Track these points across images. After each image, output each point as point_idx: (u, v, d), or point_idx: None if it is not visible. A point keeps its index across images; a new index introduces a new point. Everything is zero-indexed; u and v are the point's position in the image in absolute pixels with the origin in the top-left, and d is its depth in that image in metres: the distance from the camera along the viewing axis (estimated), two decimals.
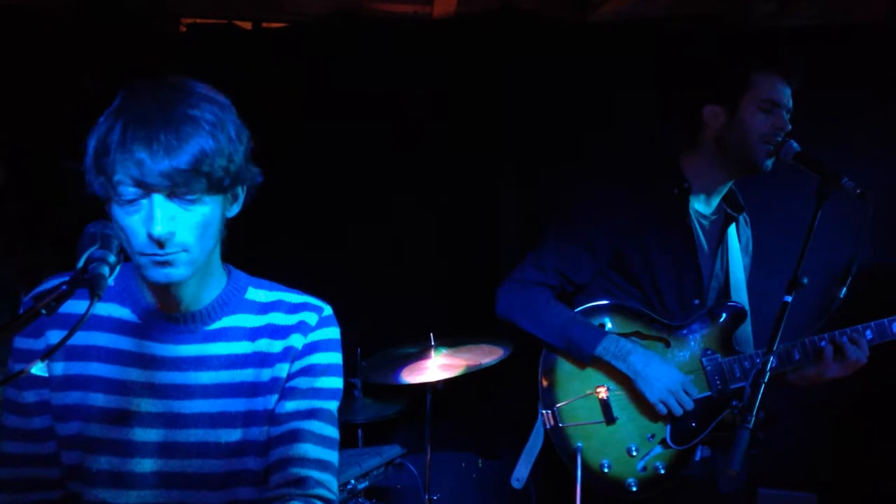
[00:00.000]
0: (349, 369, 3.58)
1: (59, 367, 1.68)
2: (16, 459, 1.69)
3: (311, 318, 1.76)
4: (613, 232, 2.76)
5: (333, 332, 1.80)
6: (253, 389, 1.71)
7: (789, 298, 2.36)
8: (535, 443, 2.82)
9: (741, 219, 2.97)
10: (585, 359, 2.73)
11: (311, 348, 1.75)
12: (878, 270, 3.65)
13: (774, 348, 2.30)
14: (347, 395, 3.60)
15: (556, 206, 2.99)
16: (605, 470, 2.71)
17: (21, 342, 1.69)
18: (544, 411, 2.76)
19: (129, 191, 1.49)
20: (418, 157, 4.01)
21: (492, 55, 4.00)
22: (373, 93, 3.98)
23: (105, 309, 1.71)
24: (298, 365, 1.74)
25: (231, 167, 1.56)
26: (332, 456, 1.73)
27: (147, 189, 1.49)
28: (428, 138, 4.03)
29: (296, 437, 1.70)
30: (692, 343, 2.79)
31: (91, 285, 1.41)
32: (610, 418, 2.72)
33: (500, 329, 3.87)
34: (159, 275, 1.56)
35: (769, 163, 2.73)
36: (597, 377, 2.75)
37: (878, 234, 3.73)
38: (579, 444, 2.71)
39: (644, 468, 2.73)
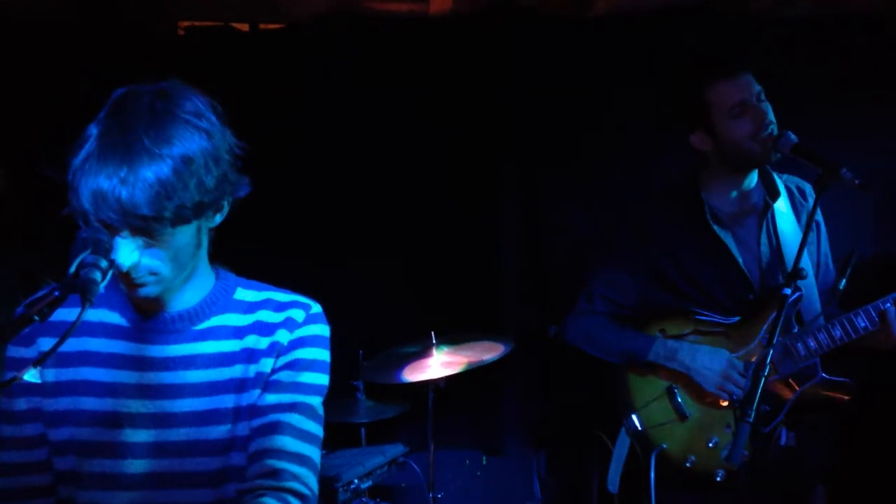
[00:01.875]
0: (352, 371, 3.59)
1: (51, 374, 1.69)
2: (9, 468, 1.69)
3: (298, 314, 1.76)
4: (645, 253, 2.90)
5: (321, 329, 1.79)
6: (241, 385, 1.72)
7: (788, 291, 2.37)
8: (621, 448, 2.94)
9: (796, 195, 2.96)
10: (645, 367, 2.86)
11: (297, 343, 1.75)
12: (883, 259, 3.65)
13: (775, 341, 2.31)
14: (350, 396, 3.60)
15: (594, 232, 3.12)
16: (688, 465, 2.77)
17: (13, 350, 1.70)
18: (626, 419, 2.88)
19: (95, 224, 1.49)
20: (417, 156, 4.00)
21: (489, 52, 3.98)
22: (369, 92, 3.97)
23: (95, 314, 1.72)
24: (283, 360, 1.73)
25: (200, 197, 1.53)
26: (311, 451, 1.72)
27: (111, 229, 1.49)
28: (427, 136, 4.02)
29: (274, 429, 1.69)
30: (752, 329, 2.81)
31: (83, 290, 1.41)
32: (682, 416, 2.82)
33: (500, 326, 3.90)
34: (130, 293, 1.59)
35: (773, 155, 2.73)
36: (661, 381, 2.87)
37: (881, 223, 3.73)
38: (664, 445, 2.80)
39: (727, 458, 2.74)
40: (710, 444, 2.76)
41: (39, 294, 1.63)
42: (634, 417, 2.86)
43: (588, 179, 3.97)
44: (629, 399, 2.90)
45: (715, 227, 2.83)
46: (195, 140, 1.52)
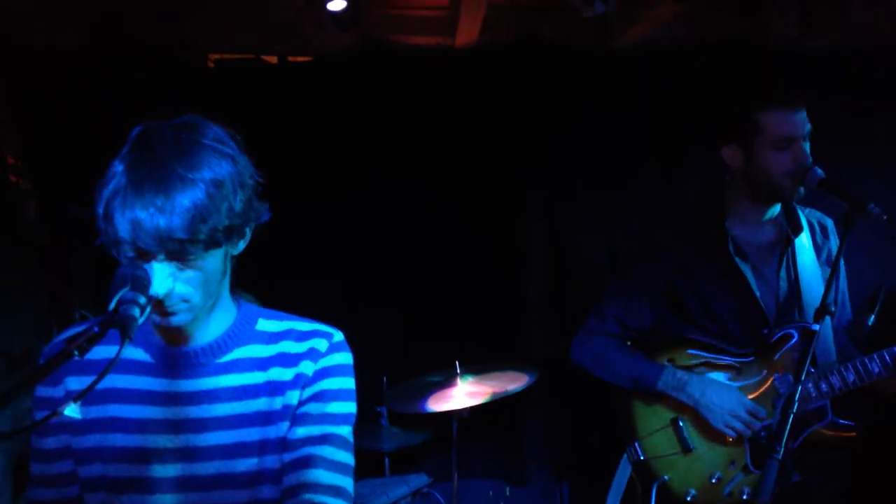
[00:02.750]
0: (376, 398, 3.60)
1: (79, 412, 1.71)
2: None
3: (321, 344, 1.76)
4: (663, 275, 2.86)
5: (345, 358, 1.79)
6: (266, 418, 1.72)
7: (817, 327, 2.36)
8: (621, 477, 2.91)
9: (817, 231, 2.94)
10: (652, 395, 2.83)
11: (322, 374, 1.75)
12: None
13: (802, 378, 2.30)
14: (374, 423, 3.61)
15: (610, 253, 3.09)
16: (689, 499, 2.74)
17: (41, 391, 1.72)
18: (629, 447, 2.84)
19: (130, 253, 1.52)
20: (444, 186, 4.03)
21: (515, 83, 4.02)
22: (396, 123, 4.01)
23: (116, 352, 1.74)
24: (309, 391, 1.74)
25: (229, 221, 1.56)
26: (345, 482, 1.72)
27: (146, 255, 1.52)
28: (454, 166, 4.05)
29: (308, 463, 1.70)
30: (764, 367, 2.79)
31: (122, 326, 1.43)
32: (686, 448, 2.78)
33: (524, 356, 3.91)
34: (162, 321, 1.60)
35: (801, 190, 2.72)
36: (668, 411, 2.83)
37: None
38: (665, 477, 2.77)
39: (730, 494, 2.74)
40: (713, 480, 2.72)
41: (78, 329, 1.68)
42: (637, 446, 2.82)
43: (613, 210, 3.98)
44: (633, 427, 2.86)
45: (737, 259, 2.81)
46: (223, 165, 1.56)
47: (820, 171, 2.66)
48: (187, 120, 1.61)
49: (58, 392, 1.71)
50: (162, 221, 1.47)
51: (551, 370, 3.76)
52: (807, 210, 2.96)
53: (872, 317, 2.54)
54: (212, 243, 1.54)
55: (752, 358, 2.80)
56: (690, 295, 2.84)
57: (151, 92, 3.74)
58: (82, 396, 1.43)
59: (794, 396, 2.24)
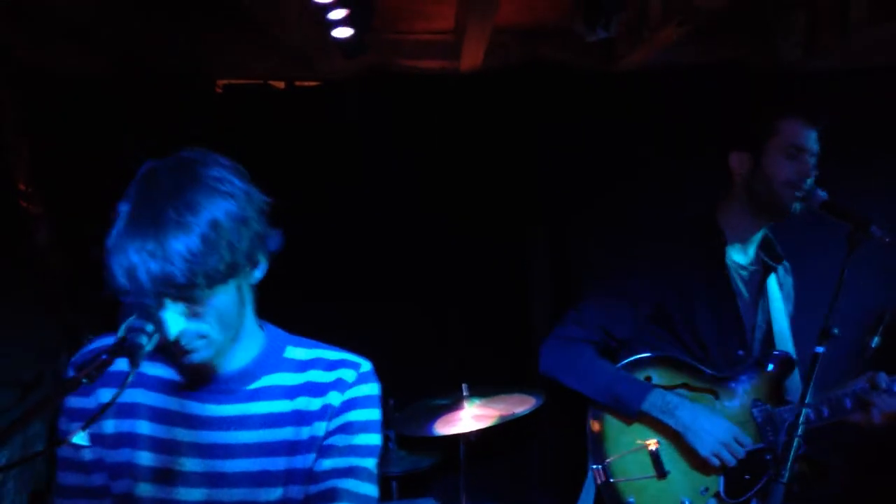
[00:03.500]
0: (383, 421, 3.60)
1: (111, 425, 1.72)
2: None
3: (349, 374, 1.77)
4: (654, 286, 2.79)
5: (372, 389, 1.79)
6: (292, 448, 1.73)
7: (821, 349, 2.37)
8: (586, 499, 2.84)
9: (780, 267, 2.96)
10: (632, 415, 2.73)
11: (349, 405, 1.75)
12: None
13: (807, 400, 2.30)
14: (381, 447, 3.61)
15: (595, 261, 3.01)
16: None
17: (73, 401, 1.73)
18: (594, 466, 2.76)
19: (133, 297, 1.52)
20: (449, 209, 4.06)
21: (520, 107, 4.06)
22: (402, 146, 4.05)
23: (152, 368, 1.75)
24: (336, 422, 1.74)
25: (231, 258, 1.56)
26: None
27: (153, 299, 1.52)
28: (459, 189, 4.08)
29: (333, 495, 1.70)
30: (741, 394, 2.78)
31: (130, 355, 1.46)
32: (661, 472, 2.71)
33: (531, 378, 3.91)
34: (183, 360, 1.61)
35: (797, 206, 2.74)
36: (645, 431, 2.75)
37: None
38: (631, 500, 2.70)
39: None
40: None
41: (88, 357, 1.70)
42: (605, 467, 2.74)
43: (618, 230, 3.99)
44: (603, 445, 2.77)
45: (731, 277, 2.82)
46: (220, 204, 1.55)
47: (823, 192, 2.68)
48: (189, 156, 1.61)
49: (90, 403, 1.72)
50: (155, 267, 1.48)
51: (558, 392, 3.76)
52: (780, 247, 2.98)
53: (877, 339, 2.54)
54: (213, 282, 1.54)
55: (729, 383, 2.79)
56: (677, 307, 2.79)
57: (161, 118, 3.79)
58: (89, 425, 1.45)
59: (799, 419, 2.25)
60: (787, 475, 2.17)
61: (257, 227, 1.63)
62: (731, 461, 2.65)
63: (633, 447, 2.73)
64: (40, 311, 3.57)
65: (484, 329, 3.98)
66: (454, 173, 4.06)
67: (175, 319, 1.54)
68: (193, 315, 1.57)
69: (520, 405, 3.32)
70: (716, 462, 2.65)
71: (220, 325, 1.61)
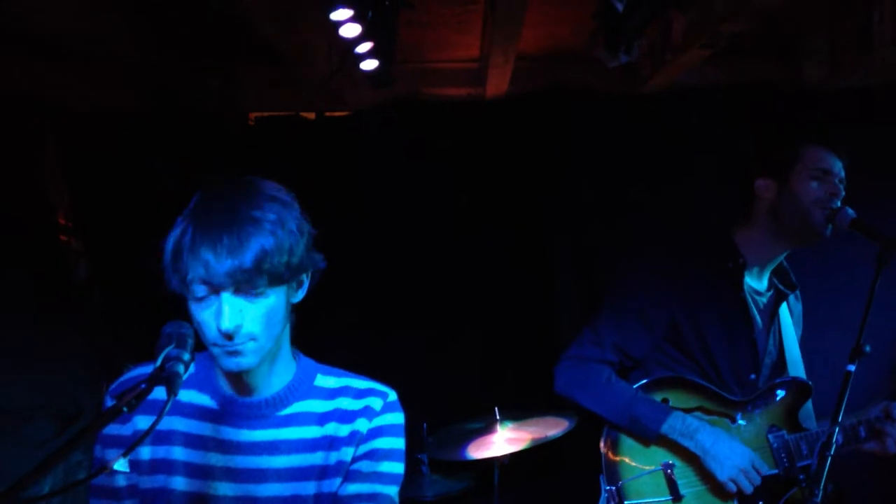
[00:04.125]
0: (416, 444, 3.63)
1: (147, 452, 1.78)
2: None
3: (377, 403, 1.83)
4: (669, 304, 2.78)
5: (397, 418, 1.86)
6: (322, 472, 1.78)
7: (852, 367, 2.35)
8: None
9: (798, 294, 2.97)
10: (650, 436, 2.71)
11: (376, 433, 1.81)
12: None
13: (840, 419, 2.28)
14: (415, 471, 3.63)
15: (611, 279, 3.00)
16: None
17: (110, 428, 1.79)
18: (608, 488, 2.74)
19: (200, 288, 1.62)
20: (477, 234, 4.10)
21: (545, 131, 4.10)
22: (431, 173, 4.11)
23: (186, 395, 1.81)
24: (363, 448, 1.80)
25: (292, 260, 1.67)
26: None
27: (214, 287, 1.61)
28: (488, 214, 4.12)
29: None
30: (757, 419, 2.77)
31: (168, 383, 1.52)
32: (676, 496, 2.69)
33: (564, 401, 3.91)
34: (231, 363, 1.67)
35: (829, 229, 2.72)
36: (661, 453, 2.73)
37: None
38: None
39: None
40: None
41: (128, 377, 1.77)
42: (620, 488, 2.71)
43: (642, 253, 3.99)
44: (617, 466, 2.75)
45: (749, 301, 2.81)
46: (284, 210, 1.68)
47: (851, 211, 2.67)
48: (243, 178, 1.73)
49: (126, 430, 1.78)
50: (233, 253, 1.58)
51: (591, 415, 3.76)
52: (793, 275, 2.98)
53: None
54: (276, 277, 1.64)
55: (744, 408, 2.78)
56: (691, 329, 2.77)
57: (196, 153, 3.88)
58: (130, 451, 1.50)
59: (832, 439, 2.24)
60: (819, 495, 2.16)
61: (308, 242, 1.73)
62: (749, 488, 2.63)
63: (648, 469, 2.72)
64: (80, 343, 3.65)
65: (515, 352, 4.00)
66: (482, 198, 4.10)
67: (233, 313, 1.62)
68: (248, 313, 1.64)
69: (553, 428, 3.31)
70: (732, 488, 2.64)
71: (268, 330, 1.68)
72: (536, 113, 4.09)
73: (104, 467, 1.49)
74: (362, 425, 1.80)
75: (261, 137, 4.21)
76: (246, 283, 1.61)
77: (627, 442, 2.77)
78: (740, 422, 2.77)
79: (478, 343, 4.06)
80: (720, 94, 4.01)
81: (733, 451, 2.64)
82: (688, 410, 2.74)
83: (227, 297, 1.62)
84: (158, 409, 1.47)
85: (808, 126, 2.98)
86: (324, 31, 3.06)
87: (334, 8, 2.49)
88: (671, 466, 2.71)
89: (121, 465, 1.48)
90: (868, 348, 2.36)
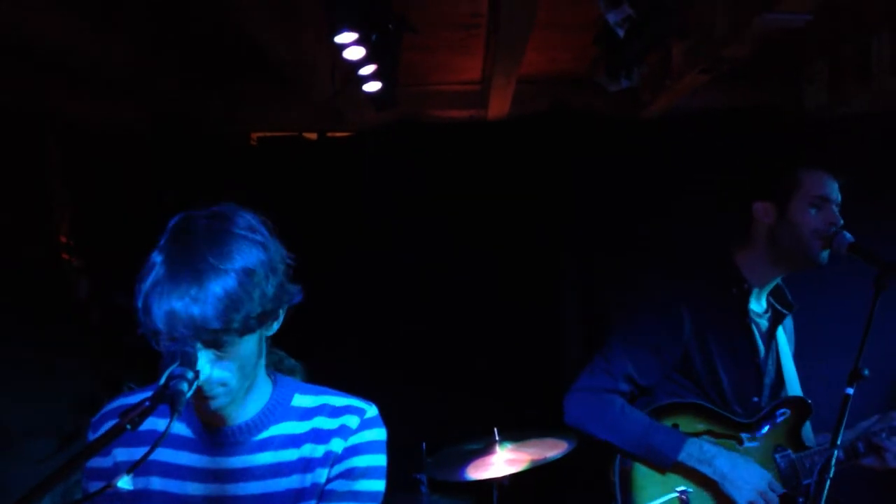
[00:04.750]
0: (415, 465, 3.62)
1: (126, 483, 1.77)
2: None
3: (353, 420, 1.78)
4: (680, 334, 2.78)
5: (376, 434, 1.81)
6: (298, 496, 1.76)
7: (850, 391, 2.35)
8: None
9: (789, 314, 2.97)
10: (667, 464, 2.71)
11: (351, 451, 1.77)
12: None
13: (839, 442, 2.29)
14: (414, 490, 3.62)
15: (622, 308, 3.00)
16: None
17: (91, 462, 1.76)
18: None
19: (167, 343, 1.58)
20: (479, 253, 4.11)
21: (547, 154, 4.13)
22: (432, 193, 4.13)
23: (163, 424, 1.78)
24: (338, 469, 1.76)
25: (261, 307, 1.61)
26: None
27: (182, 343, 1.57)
28: (489, 234, 4.14)
29: None
30: (763, 440, 2.78)
31: (172, 401, 1.50)
32: None
33: (563, 423, 3.91)
34: (202, 406, 1.67)
35: (825, 255, 2.74)
36: (676, 479, 2.74)
37: None
38: None
39: None
40: None
41: (126, 400, 1.76)
42: None
43: (653, 282, 4.00)
44: (631, 494, 2.75)
45: (752, 323, 2.83)
46: (253, 253, 1.61)
47: (849, 235, 2.69)
48: (220, 210, 1.67)
49: (107, 463, 1.76)
50: (196, 311, 1.53)
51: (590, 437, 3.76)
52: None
53: None
54: (245, 330, 1.59)
55: (750, 430, 2.79)
56: (699, 354, 2.78)
57: (198, 171, 3.90)
58: (135, 468, 1.49)
59: (831, 461, 2.24)
60: None
61: (283, 280, 1.69)
62: None
63: (664, 496, 2.71)
64: (81, 362, 3.65)
65: (515, 373, 4.00)
66: (483, 220, 4.12)
67: (202, 365, 1.59)
68: (218, 362, 1.62)
69: (552, 449, 3.31)
70: None
71: (240, 375, 1.66)
72: (538, 135, 4.13)
73: (109, 485, 1.48)
74: (337, 445, 1.77)
75: (263, 157, 4.23)
76: (213, 342, 1.58)
77: (641, 470, 2.76)
78: (747, 443, 2.78)
79: (477, 364, 4.06)
80: (721, 119, 4.04)
81: (751, 474, 2.66)
82: (696, 434, 2.75)
83: (197, 348, 1.58)
84: (140, 441, 1.44)
85: (807, 150, 3.00)
86: (327, 52, 3.09)
87: (339, 31, 2.51)
88: (686, 493, 2.71)
89: (124, 482, 1.48)
90: (866, 372, 2.37)
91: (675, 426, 2.76)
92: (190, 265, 1.55)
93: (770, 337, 2.91)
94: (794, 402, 2.82)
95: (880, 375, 2.75)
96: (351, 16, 2.45)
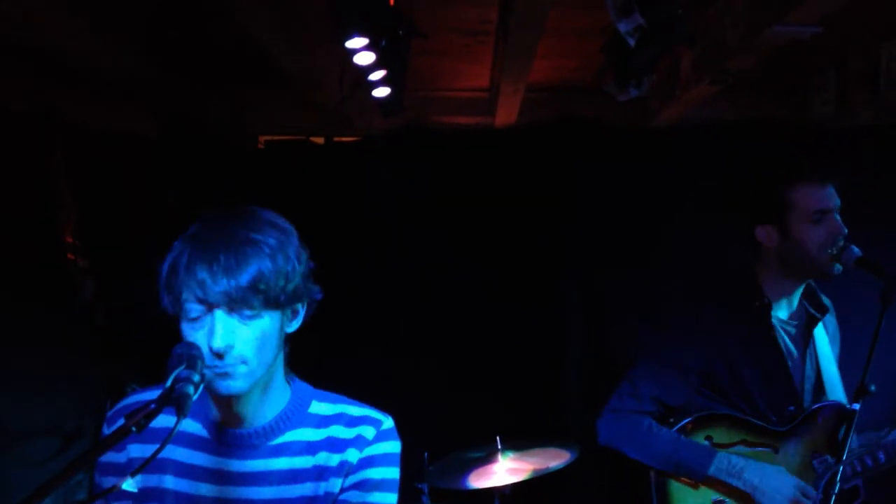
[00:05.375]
0: (417, 473, 3.61)
1: (138, 481, 1.76)
2: None
3: (369, 432, 1.78)
4: (703, 354, 2.80)
5: (391, 447, 1.81)
6: (311, 503, 1.76)
7: (857, 406, 2.35)
8: None
9: (831, 311, 2.94)
10: (699, 479, 2.73)
11: (366, 463, 1.77)
12: None
13: (844, 458, 2.28)
14: (415, 499, 3.61)
15: (645, 330, 3.03)
16: None
17: (105, 456, 1.77)
18: None
19: (194, 307, 1.60)
20: (483, 262, 4.10)
21: (554, 162, 4.11)
22: (438, 200, 4.12)
23: (179, 424, 1.80)
24: (352, 479, 1.76)
25: (288, 286, 1.65)
26: None
27: (208, 305, 1.60)
28: (494, 242, 4.13)
29: None
30: (801, 447, 2.75)
31: (178, 404, 1.49)
32: None
33: (565, 432, 3.90)
34: (221, 386, 1.64)
35: (837, 268, 2.70)
36: (710, 493, 2.75)
37: None
38: None
39: None
40: None
41: (130, 402, 1.76)
42: None
43: (652, 283, 4.00)
44: None
45: (776, 334, 2.80)
46: (282, 237, 1.67)
47: (857, 249, 2.67)
48: (241, 206, 1.72)
49: (121, 458, 1.76)
50: (229, 272, 1.57)
51: (592, 447, 3.75)
52: (825, 297, 2.95)
53: None
54: (271, 300, 1.62)
55: (786, 437, 2.77)
56: (726, 372, 2.80)
57: (204, 174, 3.90)
58: (140, 471, 1.49)
59: (836, 476, 2.23)
60: None
61: (306, 272, 1.72)
62: None
63: None
64: (84, 362, 3.65)
65: (518, 381, 3.99)
66: (488, 226, 4.11)
67: (225, 332, 1.60)
68: (240, 335, 1.63)
69: (554, 459, 3.30)
70: None
71: (260, 355, 1.66)
72: (545, 143, 4.11)
73: (114, 487, 1.48)
74: (352, 455, 1.76)
75: (270, 160, 4.23)
76: (240, 303, 1.59)
77: (675, 484, 2.79)
78: (783, 451, 2.76)
79: (480, 372, 4.05)
80: (728, 129, 4.03)
81: (782, 483, 2.65)
82: (731, 445, 2.76)
83: (220, 315, 1.60)
84: (154, 438, 1.45)
85: (792, 165, 2.94)
86: (336, 56, 3.10)
87: (350, 36, 2.52)
88: (723, 502, 2.73)
89: (129, 485, 1.48)
90: (873, 388, 2.35)
91: (709, 438, 2.78)
92: (224, 236, 1.61)
93: (805, 341, 2.87)
94: (832, 407, 2.79)
95: (889, 392, 2.76)
96: (361, 21, 2.46)
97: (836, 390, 2.84)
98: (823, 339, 2.88)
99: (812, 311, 2.88)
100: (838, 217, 2.73)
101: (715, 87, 3.34)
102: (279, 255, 1.63)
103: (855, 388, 2.39)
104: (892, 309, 2.49)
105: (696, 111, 3.90)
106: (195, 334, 1.62)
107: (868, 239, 2.75)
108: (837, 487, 2.21)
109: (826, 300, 2.92)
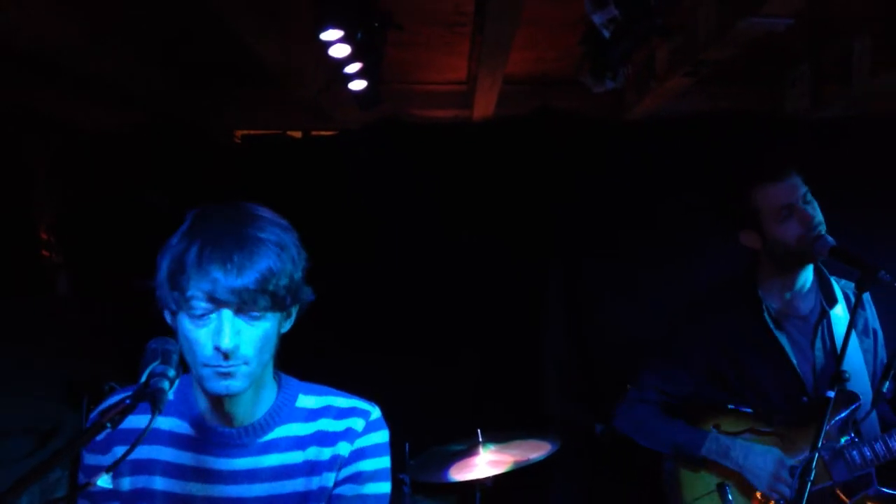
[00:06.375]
0: (398, 465, 3.61)
1: (127, 482, 1.75)
2: None
3: (358, 423, 1.79)
4: (707, 355, 2.89)
5: (381, 437, 1.82)
6: (303, 499, 1.75)
7: (832, 394, 2.36)
8: None
9: (840, 305, 2.92)
10: (696, 461, 2.83)
11: (358, 455, 1.78)
12: None
13: (819, 445, 2.29)
14: (397, 489, 3.61)
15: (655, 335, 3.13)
16: None
17: (90, 458, 1.77)
18: None
19: (201, 305, 1.59)
20: (463, 256, 4.11)
21: (531, 154, 4.12)
22: (416, 194, 4.12)
23: (166, 423, 1.78)
24: (345, 472, 1.77)
25: (291, 286, 1.65)
26: None
27: (218, 304, 1.59)
28: (473, 236, 4.13)
29: None
30: (806, 435, 2.74)
31: (153, 399, 1.49)
32: None
33: (547, 424, 3.91)
34: (220, 386, 1.64)
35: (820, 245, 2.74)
36: (713, 477, 2.83)
37: None
38: None
39: None
40: None
41: (111, 402, 1.74)
42: None
43: (632, 275, 4.02)
44: (679, 494, 2.87)
45: (773, 329, 2.83)
46: (284, 234, 1.66)
47: (831, 239, 2.68)
48: (238, 202, 1.71)
49: (106, 460, 1.75)
50: (242, 272, 1.57)
51: (573, 438, 3.76)
52: (842, 282, 2.96)
53: (888, 384, 2.54)
54: (277, 301, 1.62)
55: (796, 426, 2.79)
56: (732, 369, 2.87)
57: (181, 169, 3.88)
58: (114, 468, 1.48)
59: (811, 464, 2.24)
60: None
61: (303, 272, 1.72)
62: (786, 492, 2.66)
63: (704, 493, 2.83)
64: (60, 360, 3.61)
65: (498, 375, 4.00)
66: (467, 220, 4.11)
67: (232, 333, 1.60)
68: (245, 335, 1.62)
69: (535, 451, 3.31)
70: (774, 496, 2.69)
71: (260, 355, 1.66)
72: (523, 136, 4.12)
73: (88, 483, 1.47)
74: (343, 448, 1.77)
75: (247, 155, 4.21)
76: (249, 304, 1.59)
77: (683, 471, 2.89)
78: (791, 438, 2.78)
79: (461, 365, 4.06)
80: (703, 122, 4.05)
81: (766, 461, 2.71)
82: (738, 433, 2.82)
83: (227, 315, 1.59)
84: (136, 439, 1.44)
85: (749, 167, 2.95)
86: (312, 50, 3.08)
87: (324, 28, 2.50)
88: (723, 486, 2.80)
89: (104, 481, 1.46)
90: (848, 375, 2.37)
91: (718, 426, 2.85)
92: (234, 233, 1.60)
93: (814, 333, 2.88)
94: (839, 395, 2.78)
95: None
96: (336, 13, 2.44)
97: (859, 381, 2.84)
98: (840, 323, 2.87)
99: (823, 303, 2.90)
100: (808, 206, 2.74)
101: (690, 79, 3.35)
102: (284, 254, 1.64)
103: (831, 376, 2.40)
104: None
105: (673, 104, 3.91)
106: (199, 332, 1.61)
107: (843, 228, 2.78)
108: (813, 475, 2.22)
109: (838, 292, 2.91)
